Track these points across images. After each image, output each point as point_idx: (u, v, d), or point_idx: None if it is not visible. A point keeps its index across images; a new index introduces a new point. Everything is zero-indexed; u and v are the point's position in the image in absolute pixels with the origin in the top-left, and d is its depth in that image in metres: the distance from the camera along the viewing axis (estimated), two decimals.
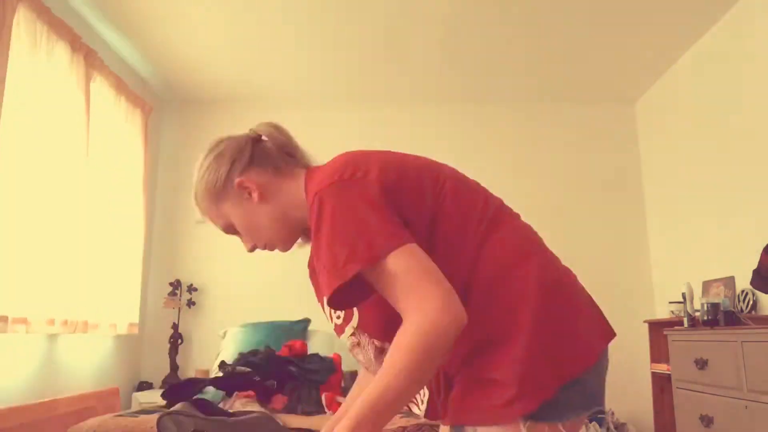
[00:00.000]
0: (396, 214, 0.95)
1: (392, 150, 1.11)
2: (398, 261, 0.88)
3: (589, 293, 1.09)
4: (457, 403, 0.98)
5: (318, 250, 0.95)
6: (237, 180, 1.10)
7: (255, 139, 1.17)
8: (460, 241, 0.98)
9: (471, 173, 4.43)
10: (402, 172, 1.01)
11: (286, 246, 1.17)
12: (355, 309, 1.05)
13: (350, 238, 0.90)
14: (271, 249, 1.17)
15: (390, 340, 0.90)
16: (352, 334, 1.07)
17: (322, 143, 5.04)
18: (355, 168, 0.98)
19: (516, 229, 1.03)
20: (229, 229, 1.17)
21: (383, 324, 0.99)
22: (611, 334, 1.03)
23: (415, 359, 0.83)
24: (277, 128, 1.19)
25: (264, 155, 1.14)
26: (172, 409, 1.64)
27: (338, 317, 1.10)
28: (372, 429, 0.83)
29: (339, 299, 0.93)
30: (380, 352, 1.05)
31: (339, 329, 1.10)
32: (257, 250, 1.18)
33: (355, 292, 0.94)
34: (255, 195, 1.10)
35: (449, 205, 1.00)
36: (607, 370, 1.03)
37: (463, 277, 0.97)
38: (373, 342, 1.05)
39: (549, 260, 1.02)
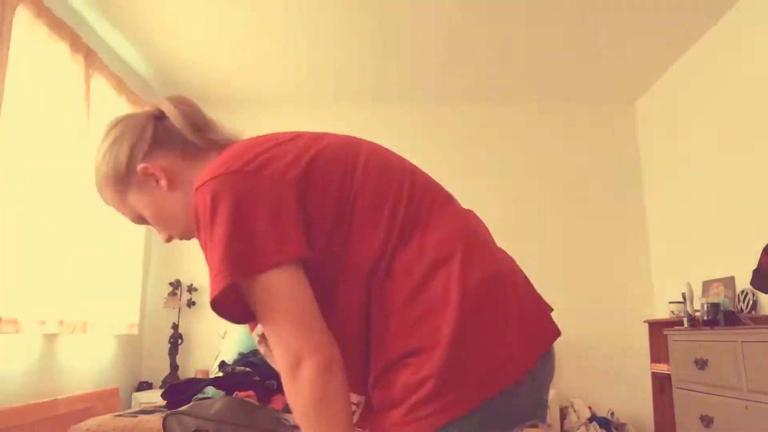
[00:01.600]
0: (292, 212, 0.82)
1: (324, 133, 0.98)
2: (269, 284, 0.79)
3: (533, 287, 0.94)
4: (372, 422, 0.90)
5: (202, 248, 0.85)
6: (140, 166, 0.95)
7: (157, 117, 0.99)
8: (368, 245, 0.86)
9: (471, 171, 4.44)
10: (308, 163, 0.87)
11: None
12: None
13: (225, 247, 0.79)
14: (189, 239, 1.02)
15: None
16: (260, 341, 0.95)
17: None
18: (248, 159, 0.85)
19: (440, 225, 0.89)
20: (139, 220, 1.02)
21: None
22: (553, 334, 0.90)
23: (312, 423, 0.78)
24: (182, 102, 1.00)
25: (168, 135, 0.97)
26: (180, 409, 1.64)
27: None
28: None
29: (221, 305, 0.84)
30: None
31: (251, 328, 0.98)
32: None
33: (240, 304, 0.84)
34: (163, 182, 0.96)
35: (361, 199, 0.87)
36: (550, 376, 0.91)
37: (375, 282, 0.86)
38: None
39: (478, 256, 0.87)
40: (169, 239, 1.04)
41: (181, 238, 1.02)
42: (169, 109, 0.98)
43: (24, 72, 2.62)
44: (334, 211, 0.86)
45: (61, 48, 2.92)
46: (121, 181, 0.97)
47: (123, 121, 0.99)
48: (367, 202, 0.87)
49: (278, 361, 0.80)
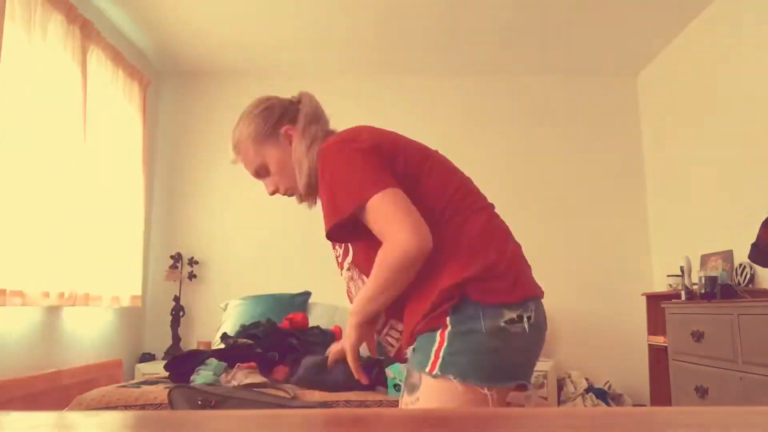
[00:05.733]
0: (384, 168, 1.17)
1: (391, 126, 1.32)
2: (382, 200, 1.11)
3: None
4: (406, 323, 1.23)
5: (321, 194, 1.21)
6: (285, 128, 1.36)
7: (296, 102, 1.42)
8: (431, 215, 1.18)
9: (470, 144, 4.42)
10: (394, 143, 1.25)
11: (305, 196, 1.39)
12: (351, 249, 1.29)
13: (345, 184, 1.15)
14: (290, 195, 1.40)
15: None
16: (348, 269, 1.31)
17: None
18: (354, 134, 1.24)
19: (483, 221, 1.22)
20: (260, 170, 1.39)
21: (371, 263, 1.17)
22: (540, 291, 1.21)
23: (387, 274, 1.12)
24: (311, 97, 1.45)
25: (300, 115, 1.38)
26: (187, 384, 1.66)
27: (338, 255, 1.35)
28: (364, 315, 1.18)
29: (335, 234, 1.18)
30: None
31: (340, 266, 1.36)
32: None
33: (349, 229, 1.17)
34: (295, 144, 1.35)
35: (429, 181, 1.23)
36: (542, 338, 1.18)
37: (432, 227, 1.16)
38: (362, 278, 1.28)
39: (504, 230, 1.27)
40: (273, 192, 1.41)
41: (284, 193, 1.40)
42: (306, 100, 1.42)
43: (19, 44, 2.59)
44: (409, 172, 1.22)
45: (56, 19, 2.88)
46: (265, 136, 1.36)
47: (273, 99, 1.42)
48: (429, 197, 1.21)
49: (387, 242, 1.12)
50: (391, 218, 1.10)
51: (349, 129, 1.28)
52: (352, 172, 1.16)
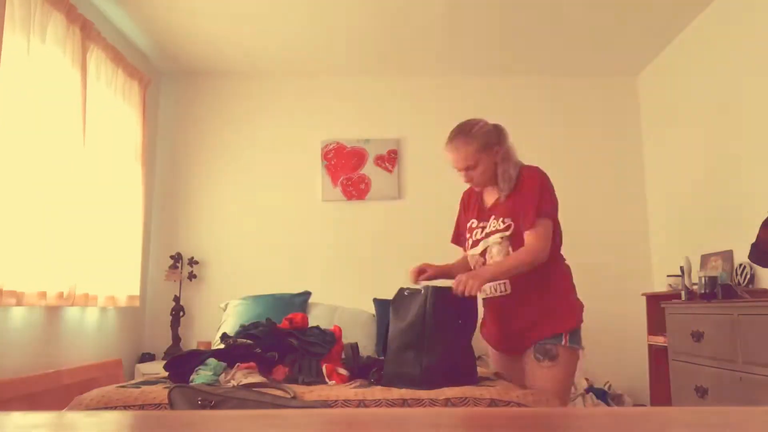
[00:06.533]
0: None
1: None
2: (548, 224, 2.00)
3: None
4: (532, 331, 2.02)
5: (529, 193, 2.02)
6: (504, 146, 2.11)
7: (499, 129, 2.17)
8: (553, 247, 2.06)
9: None
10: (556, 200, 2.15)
11: (483, 186, 2.14)
12: (513, 229, 2.02)
13: (548, 198, 2.05)
14: (471, 183, 2.15)
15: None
16: (498, 241, 2.03)
17: (321, 113, 4.99)
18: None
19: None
20: (469, 167, 2.07)
21: (515, 246, 2.01)
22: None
23: (528, 258, 1.94)
24: (506, 132, 2.19)
25: (506, 142, 2.15)
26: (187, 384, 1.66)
27: (486, 227, 2.10)
28: (506, 274, 1.97)
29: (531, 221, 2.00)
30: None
31: (486, 234, 2.08)
32: None
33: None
34: (499, 159, 2.09)
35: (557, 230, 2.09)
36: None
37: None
38: (491, 253, 2.06)
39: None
40: (469, 181, 2.13)
41: (474, 185, 2.16)
42: (505, 130, 2.19)
43: (19, 44, 2.59)
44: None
45: (56, 19, 2.87)
46: (489, 146, 2.08)
47: (500, 126, 2.19)
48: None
49: (535, 244, 1.97)
50: (543, 235, 1.96)
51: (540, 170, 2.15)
52: (551, 195, 2.08)
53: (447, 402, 1.77)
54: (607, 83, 4.49)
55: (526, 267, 1.92)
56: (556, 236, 2.03)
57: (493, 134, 2.10)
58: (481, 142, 2.05)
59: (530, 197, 1.98)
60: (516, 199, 2.02)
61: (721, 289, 2.78)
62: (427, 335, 1.90)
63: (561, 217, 2.17)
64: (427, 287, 1.96)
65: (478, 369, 2.14)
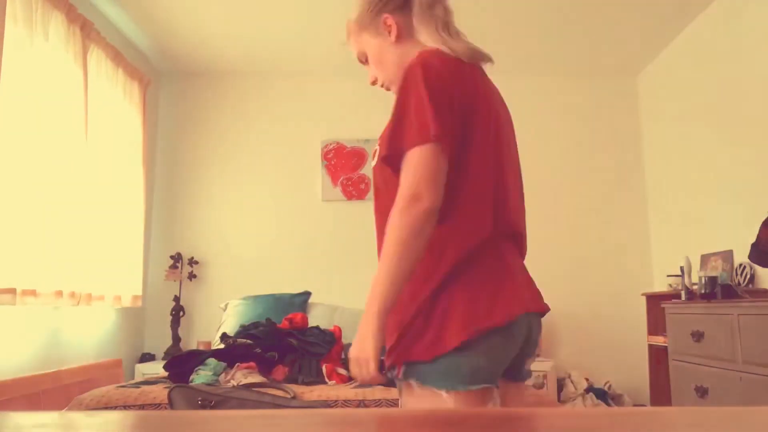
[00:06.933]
0: (449, 112, 1.09)
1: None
2: (422, 153, 1.07)
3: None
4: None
5: (394, 106, 1.14)
6: (384, 15, 1.28)
7: None
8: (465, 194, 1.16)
9: None
10: (472, 93, 1.16)
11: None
12: None
13: (407, 117, 1.10)
14: (387, 89, 1.34)
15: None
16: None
17: (321, 113, 4.99)
18: (440, 63, 1.14)
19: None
20: (361, 56, 1.36)
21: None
22: (537, 306, 1.19)
23: (394, 235, 1.07)
24: None
25: (411, 8, 1.27)
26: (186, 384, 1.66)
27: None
28: (385, 297, 1.16)
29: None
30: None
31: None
32: None
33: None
34: (392, 35, 1.28)
35: (476, 155, 1.16)
36: (514, 344, 1.14)
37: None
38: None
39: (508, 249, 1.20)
40: (373, 82, 1.36)
41: (381, 86, 1.34)
42: None
43: (20, 44, 2.59)
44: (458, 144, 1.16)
45: (56, 19, 2.87)
46: (367, 21, 1.29)
47: None
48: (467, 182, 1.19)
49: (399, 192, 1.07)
50: (415, 176, 1.08)
51: (439, 54, 1.17)
52: (434, 104, 1.09)
53: None
54: (607, 83, 4.50)
55: (407, 251, 1.06)
56: (460, 179, 1.12)
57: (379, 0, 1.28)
58: (357, 15, 1.31)
59: (394, 112, 1.13)
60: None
61: (721, 289, 2.78)
62: None
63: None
64: None
65: None
